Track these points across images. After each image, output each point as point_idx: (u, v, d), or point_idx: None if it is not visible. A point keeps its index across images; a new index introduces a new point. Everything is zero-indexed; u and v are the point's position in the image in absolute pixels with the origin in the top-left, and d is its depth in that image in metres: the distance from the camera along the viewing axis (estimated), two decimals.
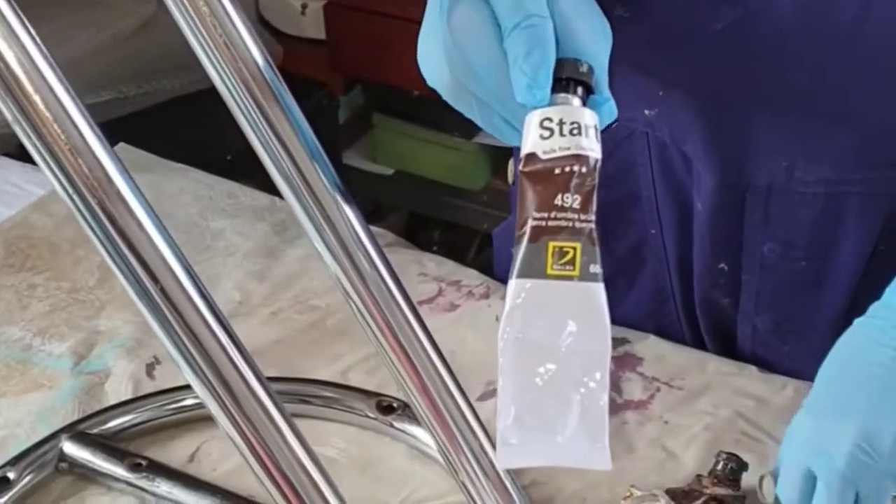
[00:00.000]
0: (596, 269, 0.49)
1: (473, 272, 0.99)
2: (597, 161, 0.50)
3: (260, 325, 0.93)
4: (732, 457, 0.75)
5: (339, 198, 0.54)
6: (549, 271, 0.49)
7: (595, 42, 0.54)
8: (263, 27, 1.94)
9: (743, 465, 0.75)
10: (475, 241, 2.11)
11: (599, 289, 0.49)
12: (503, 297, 0.50)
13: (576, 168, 0.49)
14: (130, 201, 0.45)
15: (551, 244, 0.49)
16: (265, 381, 0.49)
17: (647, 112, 0.77)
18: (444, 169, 2.04)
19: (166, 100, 1.65)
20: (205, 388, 0.48)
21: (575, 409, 0.48)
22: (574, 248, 0.49)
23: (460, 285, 0.97)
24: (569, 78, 0.52)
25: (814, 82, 0.68)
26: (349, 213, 0.54)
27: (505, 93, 0.53)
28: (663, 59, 0.73)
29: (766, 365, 0.86)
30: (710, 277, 0.82)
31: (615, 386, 0.85)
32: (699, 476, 0.76)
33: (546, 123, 0.50)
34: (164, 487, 0.76)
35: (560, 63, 0.52)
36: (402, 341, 0.57)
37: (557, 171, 0.49)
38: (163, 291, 0.46)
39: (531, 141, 0.50)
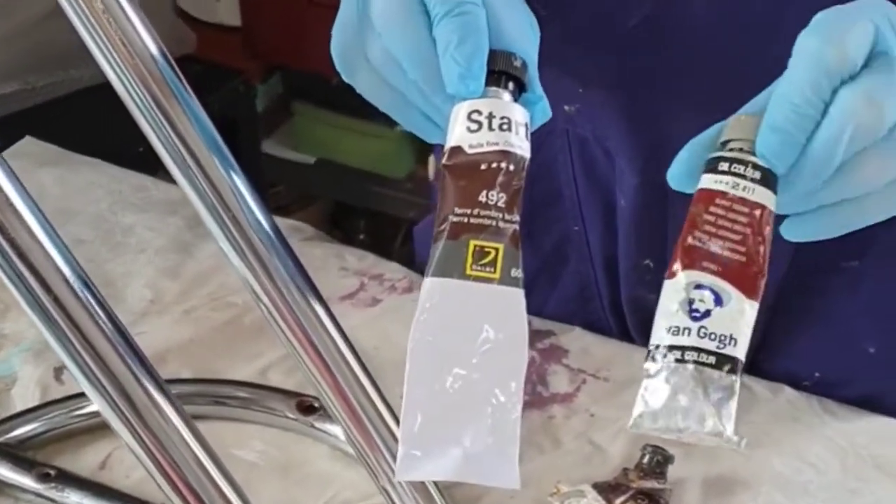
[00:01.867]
0: (517, 273, 0.47)
1: (395, 265, 0.97)
2: (525, 161, 0.48)
3: (173, 325, 0.91)
4: (658, 450, 0.75)
5: (244, 196, 0.51)
6: (468, 272, 0.46)
7: (525, 37, 0.51)
8: (177, 14, 1.90)
9: (668, 458, 0.74)
10: (401, 229, 2.09)
11: (520, 295, 0.47)
12: None
13: (503, 165, 0.47)
14: (20, 208, 0.42)
15: (472, 243, 0.46)
16: (165, 387, 0.47)
17: (566, 108, 0.75)
18: (367, 157, 2.01)
19: (76, 90, 1.60)
20: (102, 398, 0.46)
21: (485, 422, 0.45)
22: (496, 249, 0.46)
23: (382, 279, 0.95)
24: (501, 71, 0.49)
25: (732, 74, 0.67)
26: (256, 211, 0.52)
27: (430, 85, 0.50)
28: (581, 56, 0.71)
29: None
30: (636, 274, 0.81)
31: (542, 379, 0.84)
32: (626, 469, 0.75)
33: (474, 116, 0.47)
34: (74, 498, 0.73)
35: (493, 55, 0.49)
36: (318, 345, 0.54)
37: (483, 166, 0.47)
38: (56, 301, 0.43)
39: (457, 133, 0.47)
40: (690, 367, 0.47)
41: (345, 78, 0.55)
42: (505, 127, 0.47)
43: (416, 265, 0.96)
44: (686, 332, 0.47)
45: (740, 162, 0.48)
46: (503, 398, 0.46)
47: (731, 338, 0.47)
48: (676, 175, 0.51)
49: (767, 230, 0.48)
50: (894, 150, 0.48)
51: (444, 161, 0.48)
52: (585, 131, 0.76)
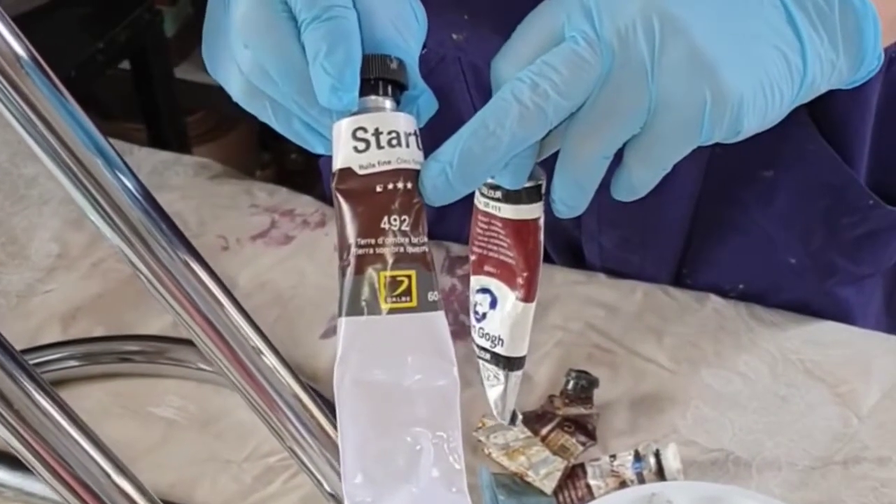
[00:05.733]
0: (434, 296, 0.44)
1: (307, 198, 0.94)
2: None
3: (81, 279, 0.88)
4: (582, 374, 0.73)
5: (107, 163, 0.48)
6: (383, 305, 0.43)
7: (405, 31, 0.47)
8: None
9: (593, 382, 0.73)
10: None
11: (440, 318, 0.44)
12: None
13: (399, 185, 0.44)
14: None
15: (382, 275, 0.43)
16: (18, 356, 0.44)
17: (455, 37, 0.72)
18: None
19: None
20: None
21: (427, 456, 0.43)
22: (409, 277, 0.44)
23: (294, 215, 0.92)
24: (377, 77, 0.45)
25: None
26: (123, 179, 0.48)
27: (305, 97, 0.46)
28: None
29: (617, 276, 0.83)
30: (546, 200, 0.78)
31: (463, 307, 0.82)
32: (551, 397, 0.74)
33: (360, 134, 0.44)
34: None
35: (366, 61, 0.45)
36: (206, 313, 0.51)
37: (379, 188, 0.43)
38: None
39: (344, 154, 0.44)
40: (480, 362, 0.53)
41: (220, 84, 0.51)
42: (394, 142, 0.44)
43: (327, 198, 0.92)
44: (477, 331, 0.52)
45: (486, 183, 0.49)
46: (441, 428, 0.43)
47: (499, 338, 0.52)
48: None
49: (525, 239, 0.50)
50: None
51: (335, 184, 0.44)
52: (477, 59, 0.73)
